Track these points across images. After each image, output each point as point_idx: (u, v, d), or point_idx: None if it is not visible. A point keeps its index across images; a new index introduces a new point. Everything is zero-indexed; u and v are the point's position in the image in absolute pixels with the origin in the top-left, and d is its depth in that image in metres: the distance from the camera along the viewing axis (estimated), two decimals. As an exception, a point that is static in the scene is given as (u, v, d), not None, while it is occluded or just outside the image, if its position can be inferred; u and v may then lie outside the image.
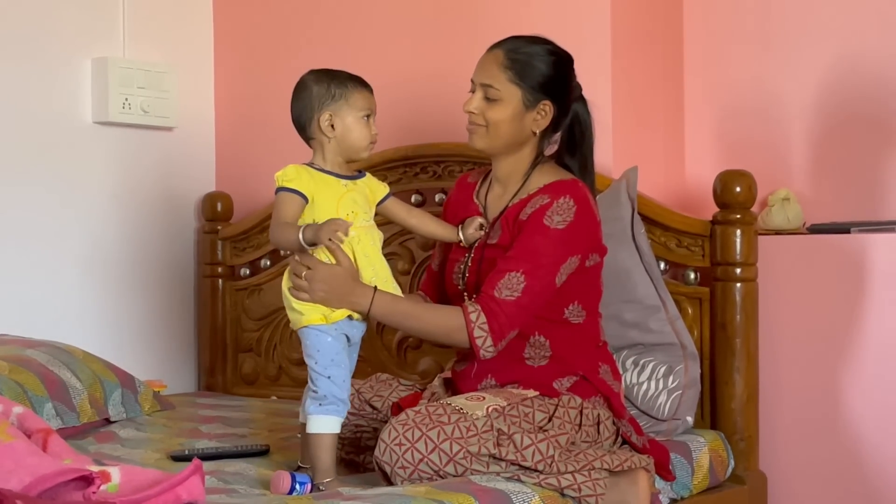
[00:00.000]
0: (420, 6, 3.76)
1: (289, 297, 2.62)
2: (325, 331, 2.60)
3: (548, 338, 2.73)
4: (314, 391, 2.57)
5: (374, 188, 2.71)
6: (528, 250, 2.66)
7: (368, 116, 2.66)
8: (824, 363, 3.15)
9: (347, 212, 2.61)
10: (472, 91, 2.78)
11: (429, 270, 3.02)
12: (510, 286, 2.63)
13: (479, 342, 2.62)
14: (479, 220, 2.79)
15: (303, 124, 2.67)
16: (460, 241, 2.81)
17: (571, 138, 2.83)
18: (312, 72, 2.71)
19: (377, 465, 2.50)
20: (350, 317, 2.62)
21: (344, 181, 2.64)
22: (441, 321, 2.67)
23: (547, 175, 2.78)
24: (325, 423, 2.56)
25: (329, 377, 2.57)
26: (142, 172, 4.06)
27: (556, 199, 2.68)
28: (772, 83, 3.56)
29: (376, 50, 3.86)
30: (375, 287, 2.62)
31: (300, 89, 2.68)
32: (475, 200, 2.88)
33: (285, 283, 2.64)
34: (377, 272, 2.64)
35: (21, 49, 3.76)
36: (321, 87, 2.65)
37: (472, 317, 2.62)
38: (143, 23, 4.05)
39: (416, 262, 3.61)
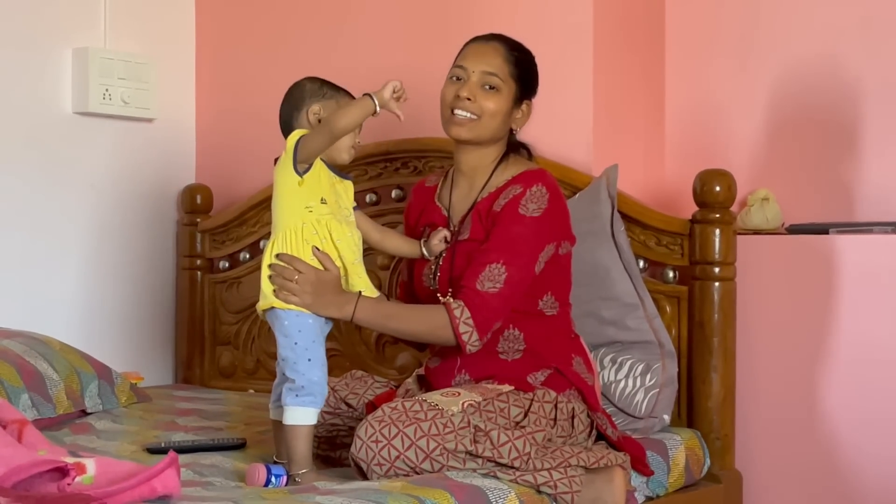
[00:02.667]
0: (403, 3, 3.76)
1: (265, 281, 2.60)
2: (303, 312, 2.59)
3: (522, 331, 2.73)
4: (291, 380, 2.56)
5: (350, 196, 2.70)
6: (507, 240, 2.66)
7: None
8: (801, 363, 3.17)
9: (337, 199, 2.62)
10: (458, 79, 2.76)
11: (401, 284, 3.01)
12: (492, 278, 2.63)
13: (465, 337, 2.62)
14: (444, 232, 2.79)
15: (289, 119, 2.66)
16: (423, 255, 2.81)
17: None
18: (308, 77, 2.71)
19: (353, 462, 2.49)
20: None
21: (332, 173, 2.64)
22: (425, 320, 2.67)
23: (513, 166, 2.79)
24: (301, 414, 2.56)
25: (310, 359, 2.56)
26: (121, 164, 4.05)
27: (529, 188, 2.69)
28: (752, 83, 3.57)
29: (357, 44, 3.85)
30: (360, 293, 2.62)
31: (292, 89, 2.69)
32: (437, 203, 2.88)
33: (266, 266, 2.62)
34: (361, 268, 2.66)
35: (1, 38, 3.74)
36: (314, 86, 2.67)
37: (457, 312, 2.62)
38: (124, 13, 4.04)
39: (395, 257, 3.61)
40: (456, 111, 2.74)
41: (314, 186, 2.60)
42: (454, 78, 2.77)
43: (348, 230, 2.64)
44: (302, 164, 2.58)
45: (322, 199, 2.60)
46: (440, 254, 2.79)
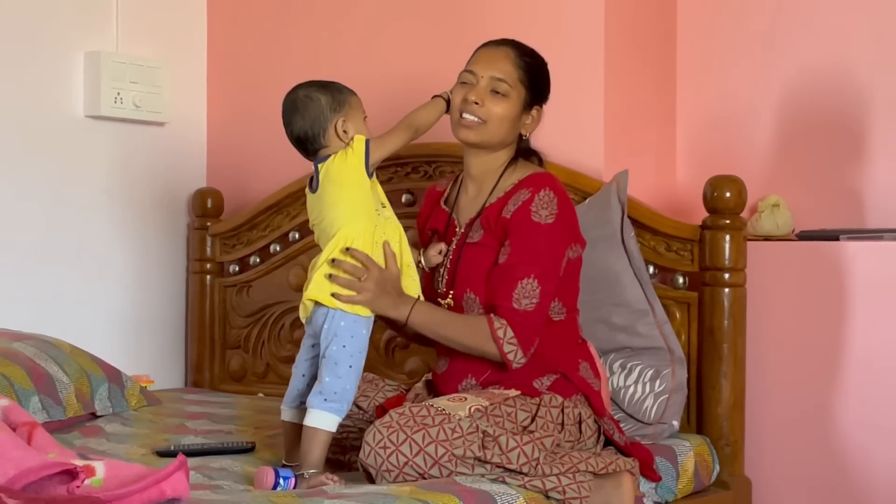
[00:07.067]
0: (412, 5, 3.77)
1: (323, 282, 2.63)
2: (360, 321, 2.63)
3: None
4: (325, 382, 2.58)
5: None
6: (531, 252, 2.67)
7: (365, 118, 2.73)
8: (811, 369, 3.16)
9: (384, 201, 2.73)
10: (467, 83, 2.77)
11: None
12: (528, 295, 2.64)
13: (510, 356, 2.64)
14: (440, 245, 2.83)
15: (315, 134, 2.69)
16: (420, 263, 2.82)
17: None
18: (306, 86, 2.74)
19: (362, 468, 2.50)
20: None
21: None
22: (474, 335, 2.67)
23: (521, 170, 2.80)
24: (324, 419, 2.57)
25: (351, 366, 2.59)
26: (133, 167, 4.06)
27: (537, 193, 2.70)
28: (764, 89, 3.57)
29: (368, 49, 3.86)
30: (418, 297, 2.68)
31: (304, 103, 2.71)
32: (443, 206, 2.89)
33: (323, 266, 2.63)
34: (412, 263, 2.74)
35: (14, 42, 3.76)
36: (328, 97, 2.70)
37: (500, 333, 2.63)
38: (136, 17, 4.05)
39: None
40: (464, 114, 2.76)
41: (378, 190, 2.71)
42: (464, 82, 2.79)
43: (403, 232, 2.72)
44: (373, 166, 2.67)
45: (382, 203, 2.71)
46: (440, 265, 2.80)
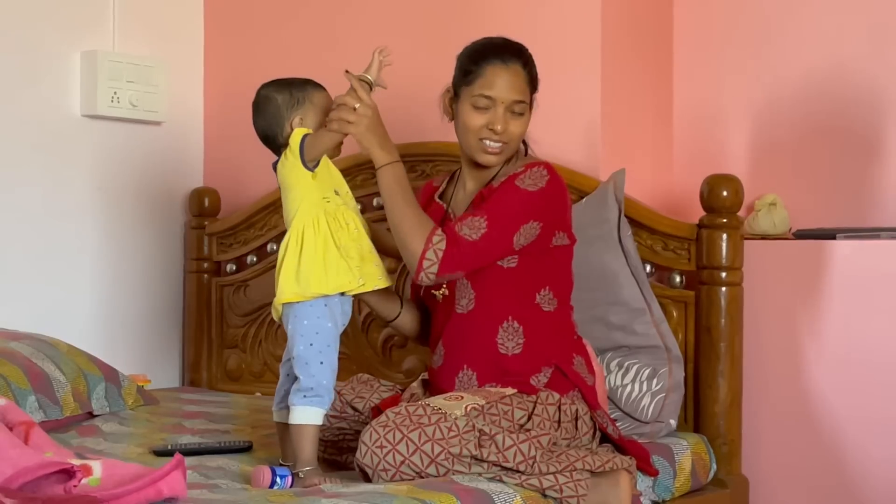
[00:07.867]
0: (410, 5, 3.77)
1: (289, 275, 2.61)
2: (323, 315, 2.61)
3: (521, 324, 2.72)
4: (300, 380, 2.58)
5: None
6: (494, 203, 2.68)
7: None
8: (808, 368, 3.16)
9: (346, 188, 2.71)
10: (484, 108, 2.72)
11: (413, 284, 3.00)
12: (471, 226, 2.65)
13: (425, 264, 2.62)
14: None
15: (273, 134, 2.70)
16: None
17: None
18: (268, 85, 2.75)
19: (358, 468, 2.49)
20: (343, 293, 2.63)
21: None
22: (411, 224, 2.64)
23: (520, 162, 2.80)
24: (308, 414, 2.57)
25: (322, 363, 2.58)
26: (129, 167, 4.06)
27: (531, 168, 2.72)
28: (761, 88, 3.57)
29: (366, 47, 3.84)
30: (400, 158, 2.67)
31: (263, 103, 2.72)
32: (437, 201, 2.90)
33: (283, 264, 2.63)
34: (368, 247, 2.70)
35: (10, 41, 3.75)
36: (284, 96, 2.69)
37: (434, 239, 2.62)
38: (133, 16, 4.05)
39: (401, 261, 3.60)
40: (486, 141, 2.74)
41: (326, 178, 2.66)
42: (480, 107, 2.73)
43: (360, 219, 2.69)
44: (311, 162, 2.63)
45: (335, 191, 2.67)
46: None
